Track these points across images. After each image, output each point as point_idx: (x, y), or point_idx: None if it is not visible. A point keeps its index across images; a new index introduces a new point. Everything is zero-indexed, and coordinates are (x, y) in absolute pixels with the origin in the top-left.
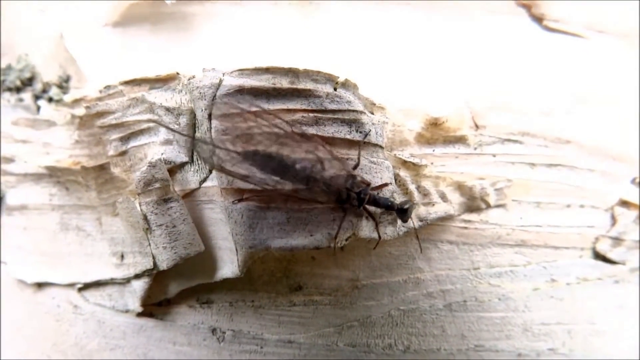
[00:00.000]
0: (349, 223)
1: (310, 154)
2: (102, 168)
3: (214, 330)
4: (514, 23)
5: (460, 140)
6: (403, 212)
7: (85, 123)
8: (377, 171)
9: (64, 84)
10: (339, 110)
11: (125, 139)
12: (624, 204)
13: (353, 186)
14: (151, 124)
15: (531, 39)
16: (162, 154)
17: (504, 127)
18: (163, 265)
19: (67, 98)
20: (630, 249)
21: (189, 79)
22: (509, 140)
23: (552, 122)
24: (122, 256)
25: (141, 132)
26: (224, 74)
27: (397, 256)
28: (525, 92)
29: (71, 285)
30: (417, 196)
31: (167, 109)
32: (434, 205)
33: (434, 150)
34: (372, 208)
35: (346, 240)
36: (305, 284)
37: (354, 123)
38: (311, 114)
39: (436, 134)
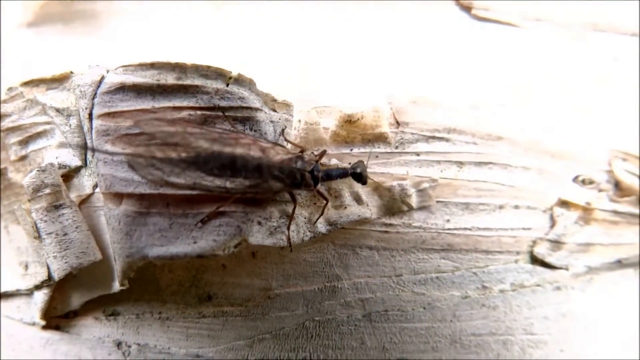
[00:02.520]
0: (236, 229)
1: (249, 145)
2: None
3: (119, 344)
4: (440, 11)
5: (380, 138)
6: (359, 177)
7: None
8: None
9: None
10: (231, 108)
11: (24, 143)
12: (564, 204)
13: (305, 166)
14: (47, 127)
15: (459, 29)
16: (56, 157)
17: (428, 124)
18: (55, 276)
19: None
20: (573, 252)
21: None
22: (433, 137)
23: (482, 117)
24: (27, 266)
25: (38, 134)
26: (107, 71)
27: (312, 263)
28: (453, 85)
29: None
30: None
31: (57, 110)
32: (345, 208)
33: (351, 150)
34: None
35: (235, 247)
36: (215, 293)
37: (248, 121)
38: (199, 112)
39: (352, 132)
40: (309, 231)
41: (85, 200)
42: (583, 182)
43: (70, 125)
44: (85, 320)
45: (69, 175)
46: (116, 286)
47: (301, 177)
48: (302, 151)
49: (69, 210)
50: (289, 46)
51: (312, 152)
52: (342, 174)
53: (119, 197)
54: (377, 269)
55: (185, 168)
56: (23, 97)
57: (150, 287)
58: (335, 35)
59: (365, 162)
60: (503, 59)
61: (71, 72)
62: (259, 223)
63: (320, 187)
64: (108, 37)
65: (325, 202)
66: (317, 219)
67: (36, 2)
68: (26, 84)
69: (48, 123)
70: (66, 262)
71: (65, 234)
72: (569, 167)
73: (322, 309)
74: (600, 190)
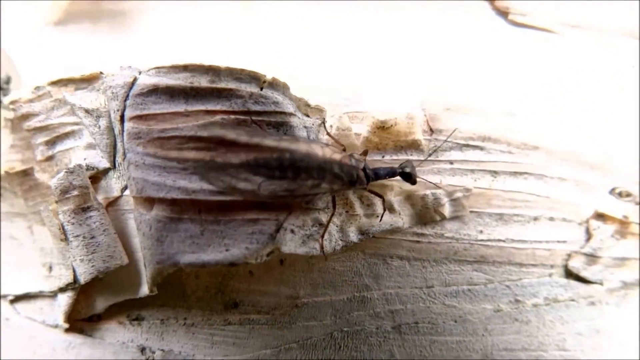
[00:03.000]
0: (269, 237)
1: (307, 145)
2: (26, 174)
3: (143, 350)
4: (476, 17)
5: (413, 145)
6: (408, 176)
7: (16, 126)
8: None
9: (4, 86)
10: (264, 112)
11: (51, 143)
12: (600, 217)
13: (358, 163)
14: (75, 127)
15: (495, 35)
16: (84, 159)
17: (462, 131)
18: (81, 279)
19: (5, 100)
20: (608, 267)
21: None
22: (468, 145)
23: (518, 125)
24: (51, 267)
25: (66, 135)
26: (140, 72)
27: (341, 272)
28: (488, 92)
29: (4, 296)
30: (358, 208)
31: (87, 111)
32: (377, 217)
33: (383, 157)
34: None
35: (267, 255)
36: (241, 301)
37: (282, 126)
38: (232, 116)
39: (385, 138)
40: (341, 240)
41: (112, 203)
42: (620, 194)
43: (99, 127)
44: (109, 324)
45: (97, 177)
46: (143, 291)
47: (357, 176)
48: (344, 150)
49: (96, 212)
50: (322, 50)
51: (355, 153)
52: (391, 173)
53: (150, 201)
54: (408, 280)
55: (250, 172)
56: (51, 96)
57: (176, 293)
58: (369, 39)
59: (413, 163)
60: (539, 65)
61: (101, 73)
62: (292, 231)
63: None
64: (136, 36)
65: (380, 198)
66: (382, 215)
67: (64, 0)
68: (54, 83)
69: (76, 124)
70: (92, 266)
71: (93, 237)
72: (606, 178)
73: (351, 319)
74: (637, 204)
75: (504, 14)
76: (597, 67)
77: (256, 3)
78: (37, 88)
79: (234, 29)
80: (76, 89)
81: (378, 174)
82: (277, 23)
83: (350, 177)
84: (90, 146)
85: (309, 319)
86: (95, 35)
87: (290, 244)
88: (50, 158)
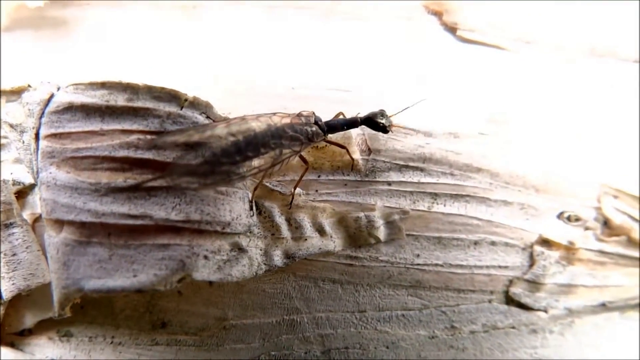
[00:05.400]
0: (178, 263)
1: (254, 120)
2: None
3: None
4: (423, 32)
5: (349, 165)
6: (374, 124)
7: None
8: (224, 203)
9: None
10: None
11: None
12: (544, 242)
13: (309, 119)
14: (4, 140)
15: (441, 51)
16: (11, 173)
17: (401, 152)
18: (4, 296)
19: None
20: (553, 293)
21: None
22: (407, 166)
23: (461, 146)
24: None
25: None
26: (58, 88)
27: (271, 294)
28: (431, 111)
29: None
30: (285, 230)
31: (11, 126)
32: (306, 240)
33: (319, 177)
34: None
35: (178, 282)
36: (169, 321)
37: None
38: (149, 136)
39: (320, 158)
40: (264, 264)
41: (39, 219)
42: (568, 219)
43: (23, 142)
44: (39, 339)
45: (24, 192)
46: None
47: (311, 132)
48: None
49: (19, 229)
50: (257, 59)
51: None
52: (350, 123)
53: (59, 224)
54: (340, 304)
55: (213, 165)
56: None
57: (105, 310)
58: (308, 53)
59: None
60: (488, 84)
61: (29, 86)
62: (206, 257)
63: (331, 137)
64: (75, 46)
65: (342, 149)
66: (296, 185)
67: (11, 6)
68: None
69: (5, 137)
70: (13, 284)
71: (14, 254)
72: (555, 202)
73: (279, 343)
74: (586, 229)
75: (452, 29)
76: (550, 84)
77: (199, 9)
78: None
79: (175, 37)
80: (7, 100)
81: (333, 126)
82: (220, 29)
83: (307, 134)
84: (18, 160)
85: (237, 342)
86: (38, 43)
87: (203, 271)
88: None
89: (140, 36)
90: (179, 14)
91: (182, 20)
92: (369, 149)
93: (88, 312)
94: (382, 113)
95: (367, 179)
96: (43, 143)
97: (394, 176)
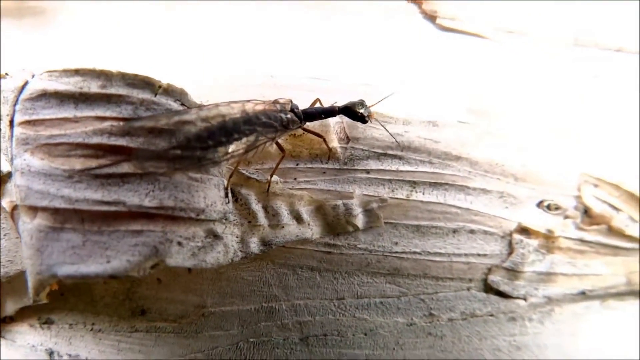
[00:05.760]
0: (152, 250)
1: (226, 107)
2: None
3: (51, 354)
4: (403, 21)
5: (328, 153)
6: (353, 114)
7: None
8: (198, 189)
9: None
10: None
11: None
12: (523, 231)
13: (284, 107)
14: None
15: (421, 40)
16: None
17: (380, 140)
18: None
19: None
20: (532, 282)
21: None
22: (385, 155)
23: (440, 134)
24: None
25: None
26: (33, 76)
27: (250, 282)
28: (410, 99)
29: None
30: (262, 218)
31: None
32: (283, 227)
33: (297, 165)
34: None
35: (152, 268)
36: (149, 308)
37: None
38: (122, 123)
39: (298, 146)
40: (241, 251)
41: (17, 207)
42: (548, 207)
43: (0, 130)
44: (20, 326)
45: (3, 179)
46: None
47: (286, 119)
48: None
49: None
50: (230, 48)
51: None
52: (327, 112)
53: (33, 210)
54: (318, 291)
55: (185, 150)
56: None
57: (84, 297)
58: (289, 40)
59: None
60: (468, 72)
61: (6, 74)
62: (179, 244)
63: (309, 126)
64: (55, 35)
65: (320, 138)
66: (273, 172)
67: None
68: None
69: None
70: None
71: None
72: (534, 190)
73: (258, 330)
74: (566, 217)
75: (431, 17)
76: (530, 73)
77: (179, 3)
78: None
79: (156, 27)
80: None
81: (311, 114)
82: (200, 20)
83: (281, 121)
84: None
85: (216, 329)
86: (19, 32)
87: (177, 257)
88: None
89: (120, 25)
90: (158, 2)
91: (162, 9)
92: (347, 137)
93: (68, 299)
94: (361, 103)
95: (345, 167)
96: (17, 130)
97: (373, 164)
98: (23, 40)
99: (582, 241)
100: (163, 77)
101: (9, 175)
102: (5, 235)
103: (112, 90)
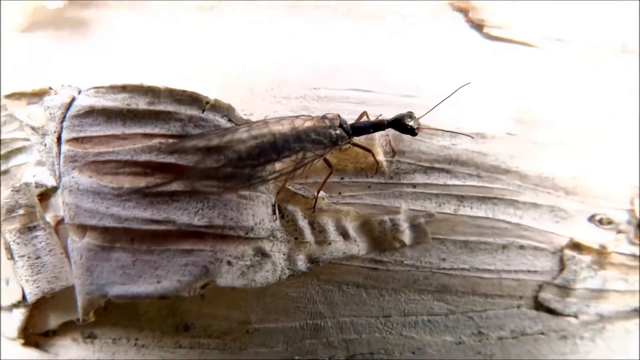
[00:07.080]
0: (202, 269)
1: (276, 124)
2: None
3: None
4: (449, 30)
5: (373, 167)
6: (402, 127)
7: None
8: (247, 207)
9: None
10: None
11: (5, 157)
12: (576, 246)
13: (333, 122)
14: (26, 143)
15: (467, 49)
16: (33, 175)
17: (427, 153)
18: (28, 299)
19: None
20: (584, 299)
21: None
22: (432, 168)
23: (488, 147)
24: (7, 282)
25: (18, 150)
26: (80, 92)
27: (294, 298)
28: (456, 111)
29: None
30: (308, 234)
31: (33, 128)
32: (330, 244)
33: (342, 179)
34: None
35: (202, 288)
36: (193, 324)
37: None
38: (170, 140)
39: (344, 160)
40: (288, 269)
41: (62, 222)
42: (600, 222)
43: (45, 145)
44: (63, 340)
45: (47, 194)
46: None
47: (336, 135)
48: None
49: (42, 232)
50: (277, 61)
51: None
52: (376, 126)
53: (82, 229)
54: (364, 309)
55: (236, 167)
56: (6, 109)
57: (128, 312)
58: (330, 51)
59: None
60: (516, 83)
61: (50, 88)
62: (229, 263)
63: (355, 140)
64: (95, 47)
65: (368, 152)
66: (320, 188)
67: (29, 6)
68: (9, 96)
69: (27, 139)
70: (37, 287)
71: (38, 257)
72: (585, 204)
73: (303, 347)
74: (619, 232)
75: (478, 27)
76: (582, 84)
77: (218, 12)
78: None
79: (197, 39)
80: (28, 103)
81: (359, 129)
82: (241, 30)
83: (330, 138)
84: (40, 163)
85: (260, 346)
86: (58, 44)
87: (227, 277)
88: (6, 172)
89: (160, 37)
90: (198, 14)
91: (202, 20)
92: (393, 150)
93: (112, 314)
94: (410, 115)
95: (391, 181)
96: (65, 147)
97: (419, 178)
98: (62, 52)
99: (636, 256)
100: (204, 90)
101: (54, 190)
102: (50, 250)
103: (160, 107)
